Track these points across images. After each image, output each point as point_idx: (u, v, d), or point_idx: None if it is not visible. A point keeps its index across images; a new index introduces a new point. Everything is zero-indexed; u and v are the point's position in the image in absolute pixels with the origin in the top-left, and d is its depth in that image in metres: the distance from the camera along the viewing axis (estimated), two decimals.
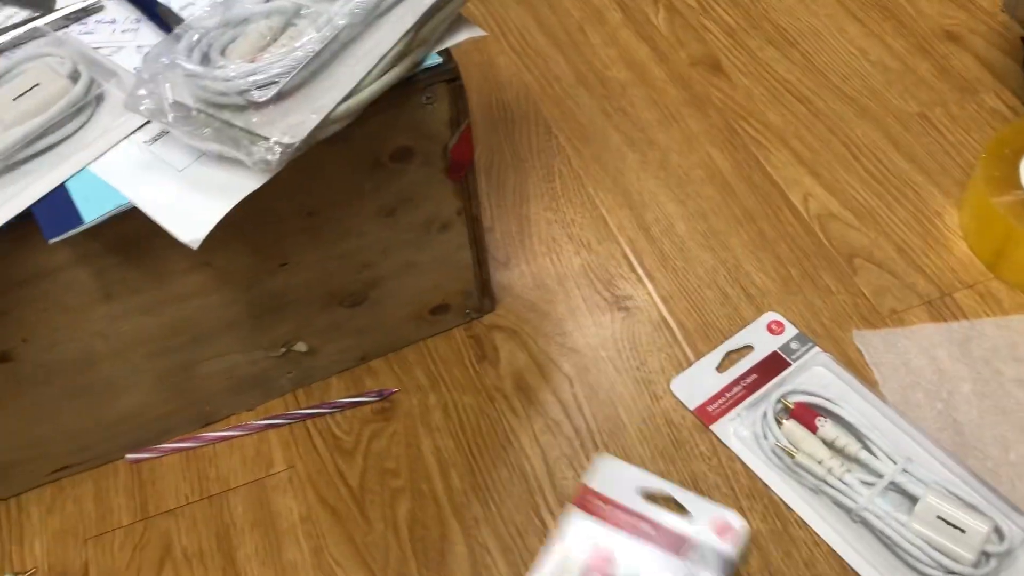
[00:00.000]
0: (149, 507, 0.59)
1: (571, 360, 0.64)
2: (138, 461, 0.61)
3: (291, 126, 0.44)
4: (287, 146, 0.43)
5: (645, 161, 0.75)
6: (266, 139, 0.43)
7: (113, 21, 0.54)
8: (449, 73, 0.51)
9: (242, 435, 0.62)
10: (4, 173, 0.46)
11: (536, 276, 0.69)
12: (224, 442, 0.62)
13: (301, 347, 0.61)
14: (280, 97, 0.44)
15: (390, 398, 0.63)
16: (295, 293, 0.57)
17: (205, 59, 0.45)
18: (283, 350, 0.61)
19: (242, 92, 0.43)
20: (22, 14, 0.55)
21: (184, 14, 0.53)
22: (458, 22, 0.52)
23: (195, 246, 0.44)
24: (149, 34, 0.53)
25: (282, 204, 0.52)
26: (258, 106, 0.44)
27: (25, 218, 0.45)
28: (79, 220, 0.45)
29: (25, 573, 0.52)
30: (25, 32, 0.53)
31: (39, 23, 0.53)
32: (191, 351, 0.57)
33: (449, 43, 0.51)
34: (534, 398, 0.62)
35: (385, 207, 0.56)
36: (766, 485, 0.57)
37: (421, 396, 0.63)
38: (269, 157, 0.43)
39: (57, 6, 0.55)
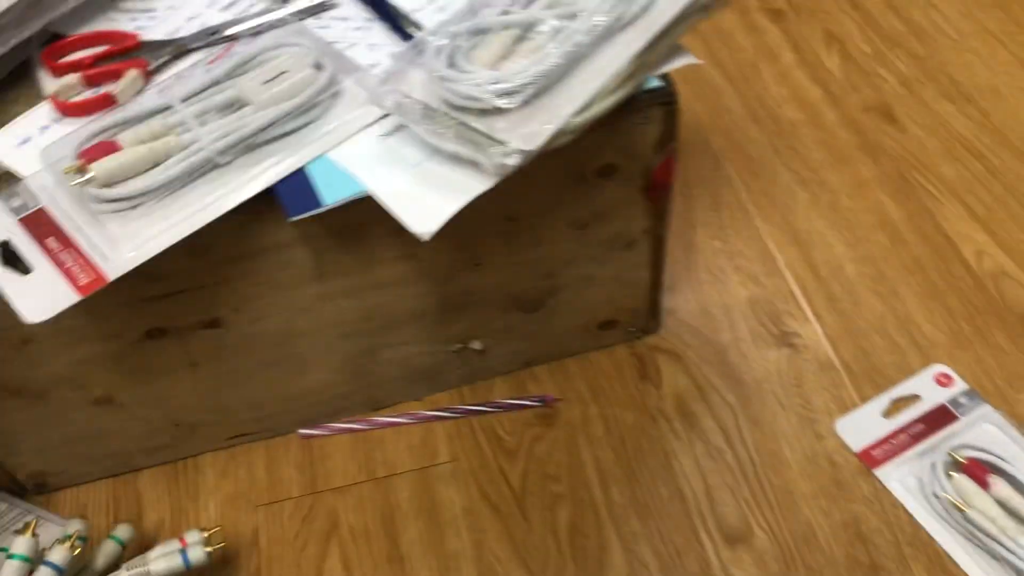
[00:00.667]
0: (318, 482, 0.62)
1: (734, 390, 0.65)
2: (309, 437, 0.64)
3: (529, 134, 0.46)
4: (525, 153, 0.45)
5: (815, 201, 0.75)
6: (504, 144, 0.45)
7: (346, 18, 0.57)
8: (667, 97, 0.52)
9: (410, 423, 0.64)
10: (250, 151, 0.49)
11: (701, 303, 0.70)
12: (392, 428, 0.64)
13: (476, 345, 0.63)
14: (521, 105, 0.46)
15: (552, 405, 0.65)
16: (481, 293, 0.60)
17: (451, 63, 0.48)
18: (459, 346, 0.63)
19: (489, 98, 0.45)
20: (260, 4, 0.58)
21: (416, 17, 0.56)
22: (676, 49, 0.53)
23: (426, 238, 0.47)
24: (380, 34, 0.56)
25: (489, 206, 0.54)
26: (502, 112, 0.46)
27: (264, 196, 0.48)
28: (319, 202, 0.47)
29: (210, 531, 0.55)
30: (266, 21, 0.56)
31: (280, 14, 0.57)
32: (378, 337, 0.60)
33: (667, 68, 0.52)
34: (696, 423, 0.63)
35: (579, 220, 0.57)
36: (931, 536, 0.57)
37: (583, 407, 0.64)
38: (507, 161, 0.45)
39: (293, 1, 0.58)
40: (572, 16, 0.49)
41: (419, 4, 0.57)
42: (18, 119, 0.53)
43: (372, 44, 0.55)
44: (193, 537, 0.54)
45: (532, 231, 0.57)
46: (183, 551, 0.53)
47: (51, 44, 0.56)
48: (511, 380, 0.66)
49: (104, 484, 0.63)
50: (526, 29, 0.50)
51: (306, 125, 0.50)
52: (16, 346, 0.52)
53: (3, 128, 0.52)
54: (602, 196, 0.56)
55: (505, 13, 0.50)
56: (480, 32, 0.50)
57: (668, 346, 0.67)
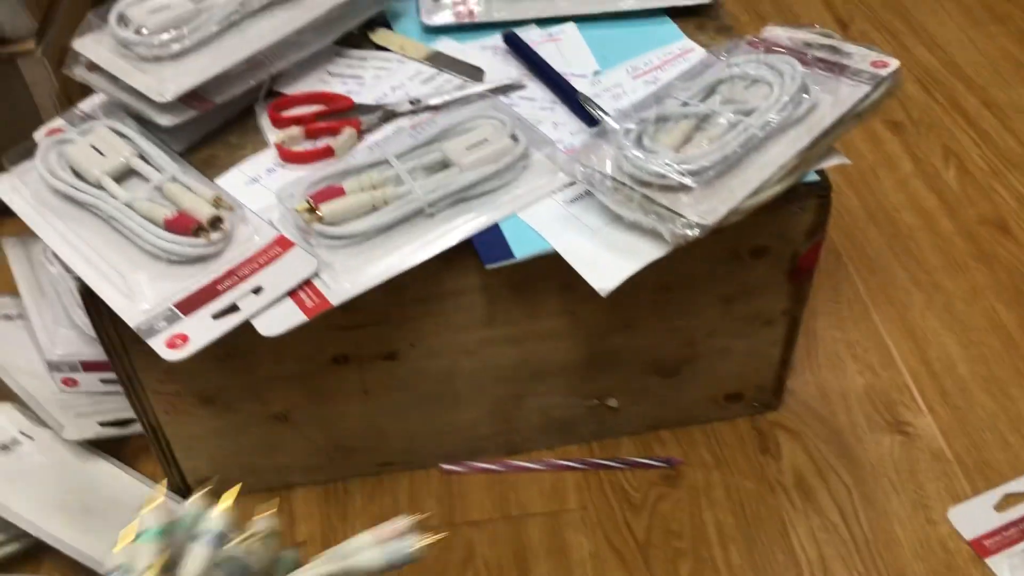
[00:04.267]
0: (455, 515, 0.67)
1: (850, 470, 0.68)
2: (450, 472, 0.69)
3: (707, 210, 0.52)
4: (703, 227, 0.51)
5: (930, 302, 0.80)
6: (685, 218, 0.51)
7: (533, 99, 0.64)
8: (822, 190, 0.58)
9: (542, 470, 0.69)
10: (453, 206, 0.56)
11: (820, 386, 0.74)
12: (526, 472, 0.69)
13: (612, 403, 0.68)
14: (702, 185, 0.52)
15: (677, 467, 0.69)
16: (626, 354, 0.65)
17: (638, 143, 0.54)
18: (596, 402, 0.68)
19: (675, 176, 0.52)
20: (457, 80, 0.66)
21: (601, 102, 0.62)
22: (831, 149, 0.59)
23: (604, 294, 0.52)
24: (563, 114, 0.63)
25: (648, 275, 0.59)
26: (685, 190, 0.52)
27: (457, 246, 0.55)
28: (511, 255, 0.54)
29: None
30: (463, 96, 0.64)
31: (475, 90, 0.64)
32: (527, 385, 0.65)
33: (823, 165, 0.58)
34: (813, 497, 0.67)
35: (726, 295, 0.63)
36: None
37: (705, 472, 0.69)
38: (688, 233, 0.51)
39: (486, 79, 0.66)
40: (748, 112, 0.55)
41: (596, 91, 0.64)
42: (246, 161, 0.61)
43: (556, 122, 0.62)
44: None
45: (682, 301, 0.62)
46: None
47: (275, 99, 0.64)
48: (638, 440, 0.71)
49: (260, 497, 0.69)
50: (703, 120, 0.57)
51: (502, 187, 0.57)
52: (220, 358, 0.59)
53: (235, 167, 0.60)
54: (751, 274, 0.61)
55: (685, 104, 0.57)
56: (663, 119, 0.56)
57: (788, 423, 0.71)
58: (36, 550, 0.65)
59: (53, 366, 0.71)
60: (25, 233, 0.84)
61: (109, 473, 0.67)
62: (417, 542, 0.49)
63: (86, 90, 0.84)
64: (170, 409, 0.62)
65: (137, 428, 0.70)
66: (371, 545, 0.49)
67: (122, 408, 0.71)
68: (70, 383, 0.71)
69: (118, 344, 0.57)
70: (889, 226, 0.87)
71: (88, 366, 0.72)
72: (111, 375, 0.72)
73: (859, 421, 0.71)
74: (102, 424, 0.68)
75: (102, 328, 0.56)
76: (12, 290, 0.79)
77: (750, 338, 0.66)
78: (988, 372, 0.74)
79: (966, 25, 1.11)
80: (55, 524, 0.60)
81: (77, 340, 0.73)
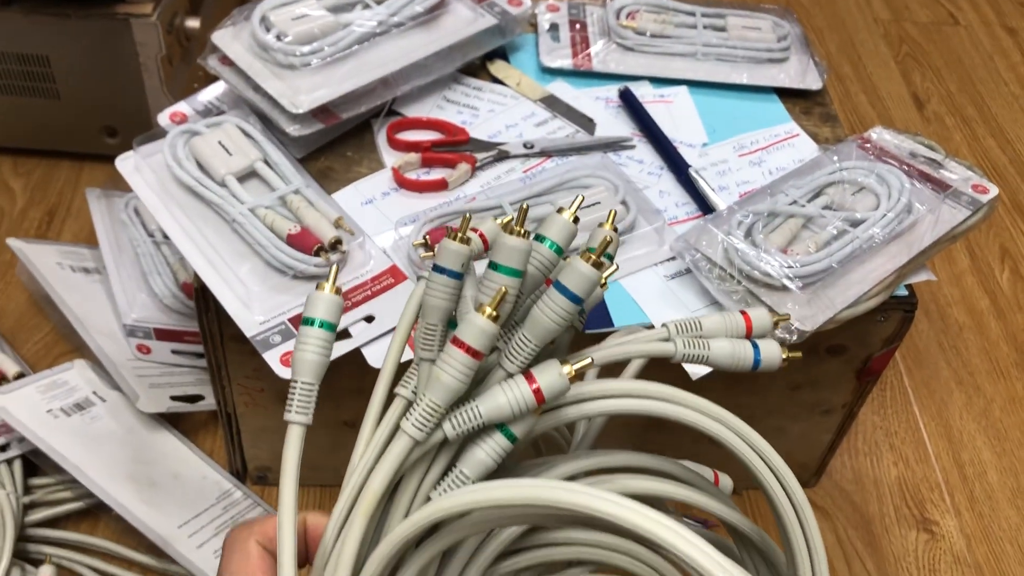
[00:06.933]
0: None
1: (874, 559, 0.71)
2: None
3: (807, 316, 0.54)
4: (802, 333, 0.53)
5: (969, 404, 0.83)
6: (786, 319, 0.54)
7: (641, 161, 0.66)
8: (909, 306, 0.60)
9: None
10: None
11: (855, 471, 0.77)
12: None
13: None
14: (804, 289, 0.55)
15: (711, 528, 0.72)
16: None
17: (748, 237, 0.56)
18: None
19: (781, 279, 0.54)
20: (568, 129, 0.68)
21: (707, 176, 0.64)
22: (922, 264, 0.61)
23: (695, 378, 0.55)
24: (670, 182, 0.65)
25: None
26: (787, 291, 0.54)
27: None
28: (611, 323, 0.56)
29: None
30: (575, 145, 0.66)
31: (586, 141, 0.66)
32: None
33: (913, 280, 0.60)
34: None
35: (794, 382, 0.65)
36: None
37: None
38: (785, 336, 0.53)
39: (597, 132, 0.68)
40: (855, 223, 0.58)
41: (703, 163, 0.66)
42: (363, 180, 0.62)
43: (662, 191, 0.64)
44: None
45: (752, 381, 0.65)
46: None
47: (393, 119, 0.66)
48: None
49: (313, 491, 0.71)
50: (809, 220, 0.59)
51: None
52: None
53: (350, 185, 0.62)
54: (822, 368, 0.64)
55: (794, 203, 0.59)
56: (773, 215, 0.58)
57: (821, 503, 0.74)
58: (95, 508, 0.68)
59: (129, 330, 0.73)
60: (108, 185, 0.86)
61: (172, 446, 0.70)
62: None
63: (185, 57, 0.85)
64: (249, 402, 0.64)
65: (203, 406, 0.72)
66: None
67: (189, 383, 0.73)
68: (144, 350, 0.73)
69: (217, 336, 0.59)
70: (940, 320, 0.89)
71: (161, 334, 0.74)
72: (183, 347, 0.75)
73: (888, 512, 0.74)
74: (173, 399, 0.70)
75: (206, 321, 0.58)
76: (92, 240, 0.81)
77: (806, 423, 0.68)
78: (1017, 485, 0.77)
79: None
80: (124, 493, 0.63)
81: (152, 306, 0.75)
